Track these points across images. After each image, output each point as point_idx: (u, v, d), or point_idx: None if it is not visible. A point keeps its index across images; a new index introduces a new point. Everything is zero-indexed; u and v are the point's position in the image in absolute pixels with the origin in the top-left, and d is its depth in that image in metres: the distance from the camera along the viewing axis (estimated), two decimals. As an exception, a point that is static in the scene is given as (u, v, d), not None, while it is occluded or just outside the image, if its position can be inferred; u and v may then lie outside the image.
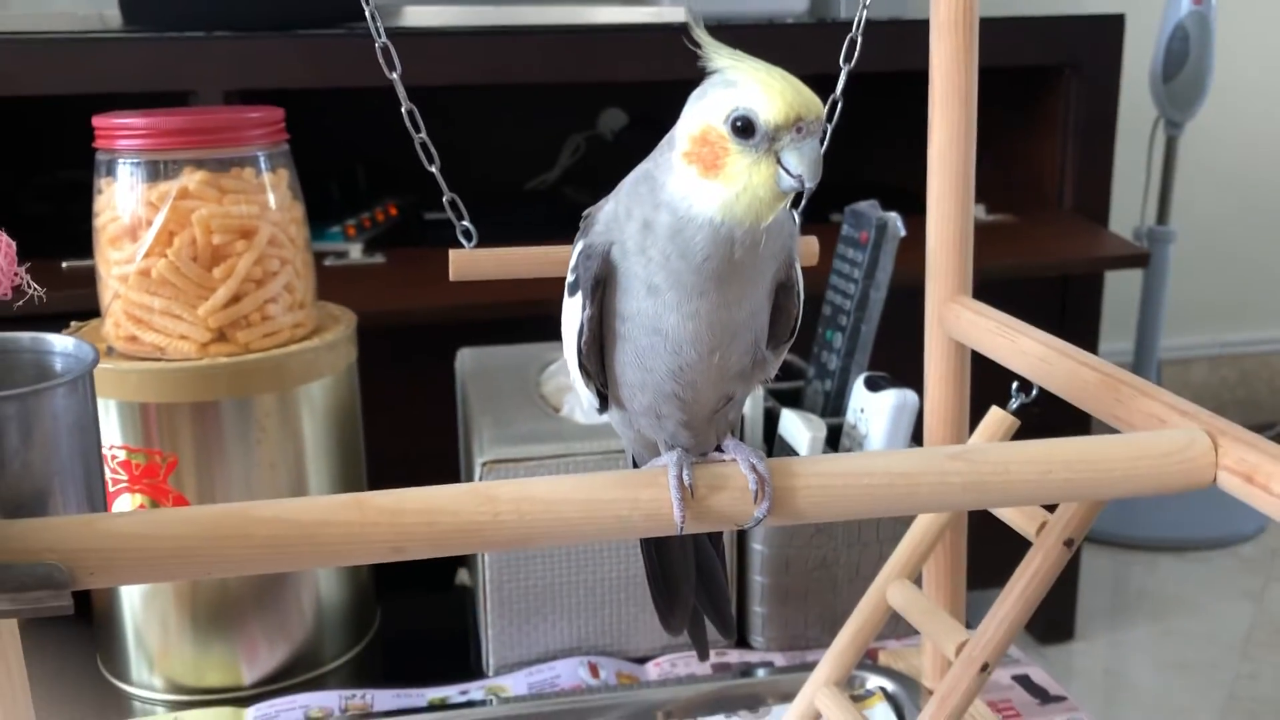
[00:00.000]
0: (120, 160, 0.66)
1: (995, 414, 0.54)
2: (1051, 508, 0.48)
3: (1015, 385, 0.54)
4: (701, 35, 0.34)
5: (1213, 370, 1.97)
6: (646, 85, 1.34)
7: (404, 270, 1.14)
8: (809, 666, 0.67)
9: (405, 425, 0.99)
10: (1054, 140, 1.32)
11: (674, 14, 1.23)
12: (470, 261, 0.54)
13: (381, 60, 0.51)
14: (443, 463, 0.85)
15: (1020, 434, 0.53)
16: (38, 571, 0.34)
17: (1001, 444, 0.40)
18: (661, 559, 0.47)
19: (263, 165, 0.67)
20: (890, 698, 0.65)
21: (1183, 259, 1.70)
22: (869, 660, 0.68)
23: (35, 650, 0.40)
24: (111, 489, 0.66)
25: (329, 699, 0.67)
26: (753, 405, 0.74)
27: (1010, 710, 0.65)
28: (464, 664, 0.72)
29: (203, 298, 0.65)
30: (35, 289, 0.49)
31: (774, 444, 0.74)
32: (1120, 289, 1.53)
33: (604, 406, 0.41)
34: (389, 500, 0.36)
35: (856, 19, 0.53)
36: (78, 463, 0.40)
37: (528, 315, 0.99)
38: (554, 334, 0.83)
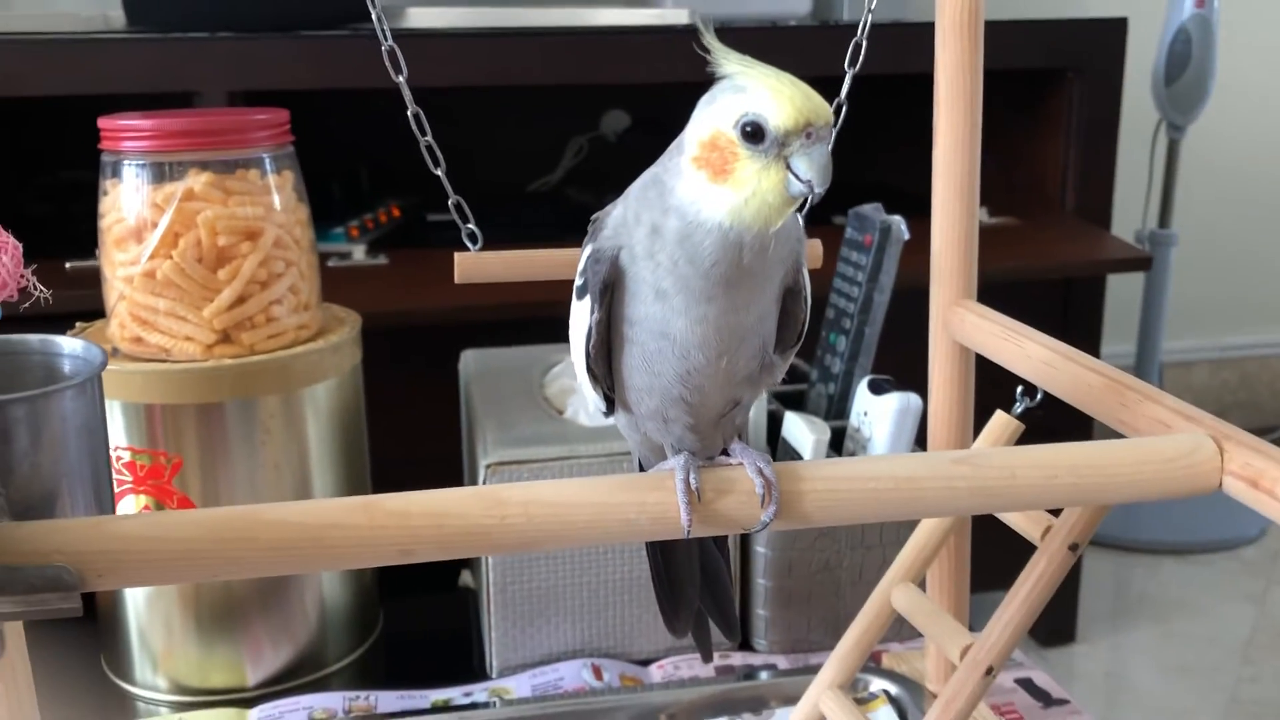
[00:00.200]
0: (126, 162, 0.66)
1: (1000, 418, 0.54)
2: (1056, 512, 0.48)
3: (1020, 390, 0.54)
4: (711, 40, 0.34)
5: (1214, 373, 1.97)
6: (649, 87, 1.35)
7: (407, 271, 1.14)
8: (812, 669, 0.67)
9: (408, 426, 0.99)
10: (1056, 143, 1.32)
11: (677, 16, 1.23)
12: (475, 264, 0.54)
13: (388, 63, 0.51)
14: (446, 464, 0.85)
15: (1023, 437, 0.53)
16: (46, 574, 0.34)
17: (1007, 449, 0.40)
18: (667, 561, 0.47)
19: (268, 167, 0.68)
20: (894, 700, 0.65)
21: (1184, 262, 1.70)
22: (872, 663, 0.68)
23: (39, 650, 0.40)
24: (116, 490, 0.66)
25: (333, 700, 0.67)
26: (756, 408, 0.74)
27: (1013, 714, 0.65)
28: (467, 666, 0.73)
29: (208, 299, 0.65)
30: (41, 291, 0.50)
31: (777, 446, 0.74)
32: (1122, 291, 1.53)
33: (610, 410, 0.41)
34: (397, 503, 0.36)
35: (861, 23, 0.53)
36: (86, 464, 0.40)
37: (531, 317, 0.99)
38: (557, 336, 0.83)
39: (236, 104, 1.06)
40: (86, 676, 0.71)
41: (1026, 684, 0.68)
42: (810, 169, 0.33)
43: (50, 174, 1.30)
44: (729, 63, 0.34)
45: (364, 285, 1.10)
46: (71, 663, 0.72)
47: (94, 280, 0.71)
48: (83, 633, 0.73)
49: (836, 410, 0.77)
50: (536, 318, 0.97)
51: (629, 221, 0.37)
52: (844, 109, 0.54)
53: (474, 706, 0.66)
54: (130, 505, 0.66)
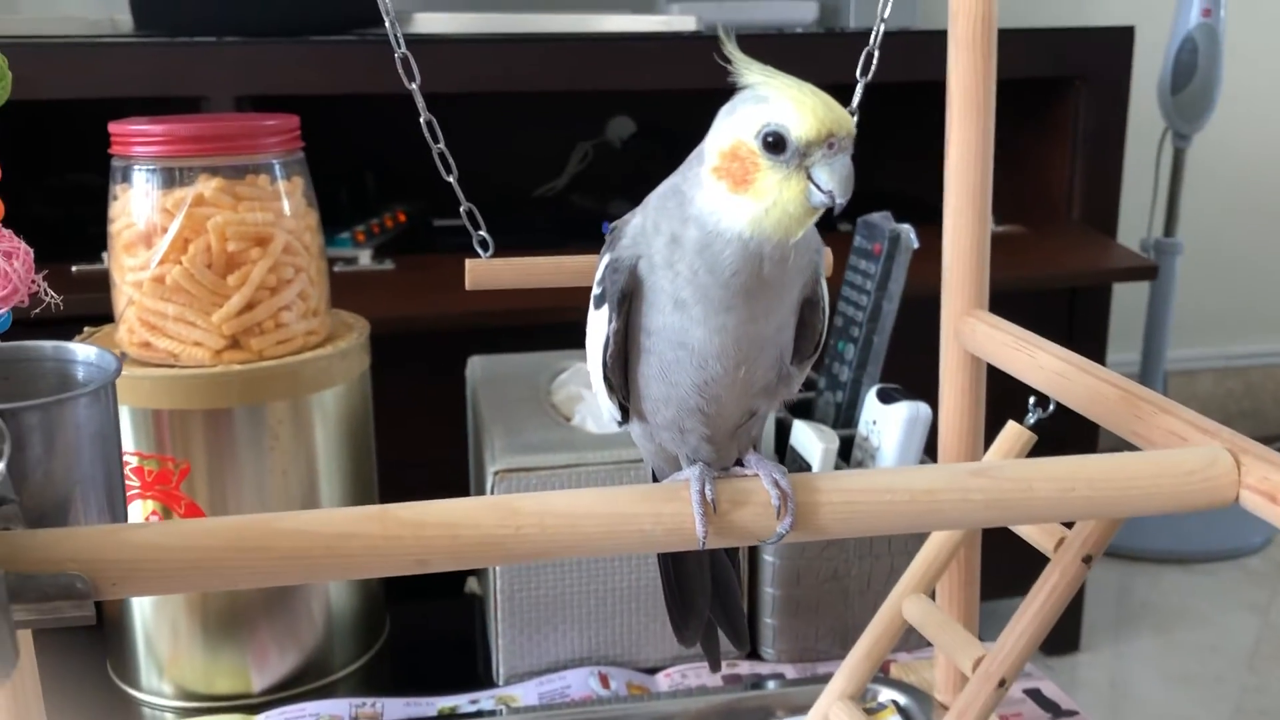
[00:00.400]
0: (136, 167, 0.66)
1: (1012, 429, 0.54)
2: (1070, 523, 0.48)
3: (1032, 400, 0.54)
4: (732, 50, 0.34)
5: (1218, 382, 1.97)
6: (655, 93, 1.35)
7: (413, 277, 1.14)
8: (820, 679, 0.67)
9: (414, 432, 0.99)
10: (1063, 151, 1.32)
11: (683, 23, 1.23)
12: (487, 271, 0.54)
13: (401, 71, 0.51)
14: (452, 470, 0.85)
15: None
16: (60, 582, 0.34)
17: (1023, 461, 0.40)
18: (678, 571, 0.47)
19: (278, 173, 0.67)
20: (902, 711, 0.65)
21: (1189, 270, 1.70)
22: (881, 673, 0.67)
23: (46, 655, 0.40)
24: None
25: (339, 707, 0.67)
26: (764, 416, 0.74)
27: (1022, 724, 0.65)
28: (473, 673, 0.72)
29: (217, 305, 0.65)
30: (53, 297, 0.49)
31: (785, 455, 0.74)
32: (1127, 300, 1.53)
33: (625, 419, 0.41)
34: (411, 513, 0.36)
35: (874, 33, 0.53)
36: (99, 472, 0.40)
37: (538, 323, 0.99)
38: (564, 342, 0.84)
39: (243, 108, 1.06)
40: (92, 682, 0.71)
41: (1035, 695, 0.68)
42: (832, 180, 0.33)
43: (57, 177, 1.30)
44: (750, 73, 0.34)
45: (370, 290, 1.10)
46: (78, 668, 0.72)
47: (101, 284, 0.71)
48: (89, 638, 0.73)
49: (845, 419, 0.77)
50: (543, 324, 0.97)
51: (648, 231, 0.37)
52: (855, 117, 0.54)
53: (481, 714, 0.66)
54: (137, 511, 0.66)
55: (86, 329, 0.72)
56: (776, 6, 1.40)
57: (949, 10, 0.54)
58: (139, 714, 0.69)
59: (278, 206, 0.67)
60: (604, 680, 0.69)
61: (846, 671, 0.56)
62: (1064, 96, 1.31)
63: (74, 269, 1.06)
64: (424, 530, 0.36)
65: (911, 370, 0.74)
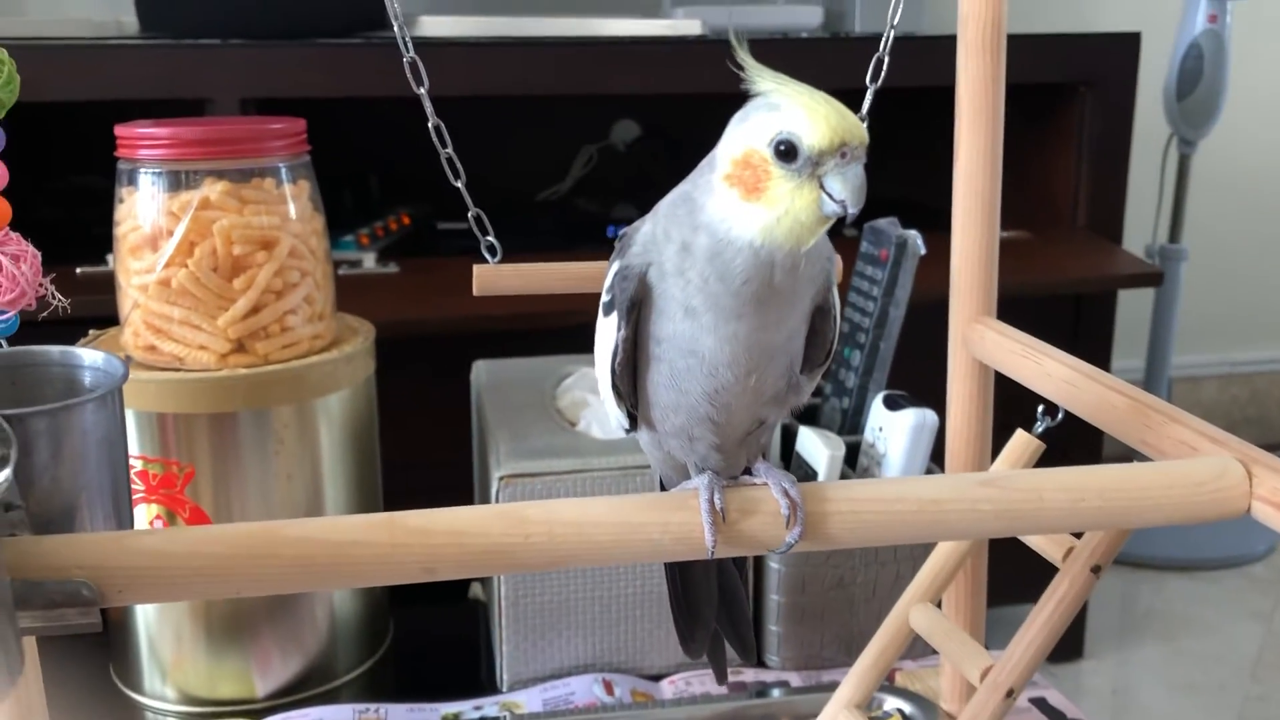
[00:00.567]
0: (142, 170, 0.66)
1: (1020, 437, 0.53)
2: (1078, 533, 0.47)
3: (1041, 409, 0.53)
4: (745, 58, 0.34)
5: (1223, 389, 1.96)
6: (660, 97, 1.35)
7: (417, 280, 1.14)
8: (825, 687, 0.66)
9: (418, 436, 0.98)
10: (1068, 157, 1.32)
11: (688, 27, 1.23)
12: (494, 276, 0.54)
13: (409, 75, 0.51)
14: (456, 474, 0.84)
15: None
16: (66, 589, 0.34)
17: (1033, 471, 0.40)
18: (685, 580, 0.47)
19: (284, 176, 0.67)
20: (908, 719, 0.64)
21: (1194, 276, 1.70)
22: (886, 681, 0.67)
23: (49, 660, 0.40)
24: (128, 499, 0.66)
25: (342, 713, 0.67)
26: (770, 422, 0.74)
27: (1028, 733, 0.64)
28: (477, 679, 0.72)
29: (222, 308, 0.65)
30: (60, 300, 0.49)
31: (791, 461, 0.73)
32: (1131, 306, 1.53)
33: (633, 426, 0.41)
34: (419, 520, 0.36)
35: (884, 39, 0.53)
36: (105, 478, 0.40)
37: (543, 327, 0.99)
38: (569, 347, 0.84)
39: (248, 111, 1.06)
40: (96, 686, 0.71)
41: (1041, 704, 0.68)
42: (844, 189, 0.33)
43: (61, 179, 1.30)
44: (763, 80, 0.34)
45: (374, 293, 1.10)
46: (81, 672, 0.72)
47: (105, 286, 0.71)
48: (92, 642, 0.72)
49: (851, 425, 0.76)
50: (548, 328, 0.97)
51: (658, 238, 0.36)
52: (865, 124, 0.54)
53: (485, 721, 0.66)
54: (141, 514, 0.66)
55: (91, 332, 0.72)
56: (781, 11, 1.40)
57: (959, 15, 0.53)
58: (142, 718, 0.69)
59: (284, 210, 0.67)
60: (608, 687, 0.68)
61: (853, 680, 0.56)
62: (1069, 102, 1.31)
63: (78, 271, 1.06)
64: (432, 539, 0.36)
65: (918, 376, 0.74)
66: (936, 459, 0.69)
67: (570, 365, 0.82)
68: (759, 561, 0.70)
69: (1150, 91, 1.46)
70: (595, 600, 0.69)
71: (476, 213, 0.53)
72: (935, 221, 0.83)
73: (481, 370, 0.82)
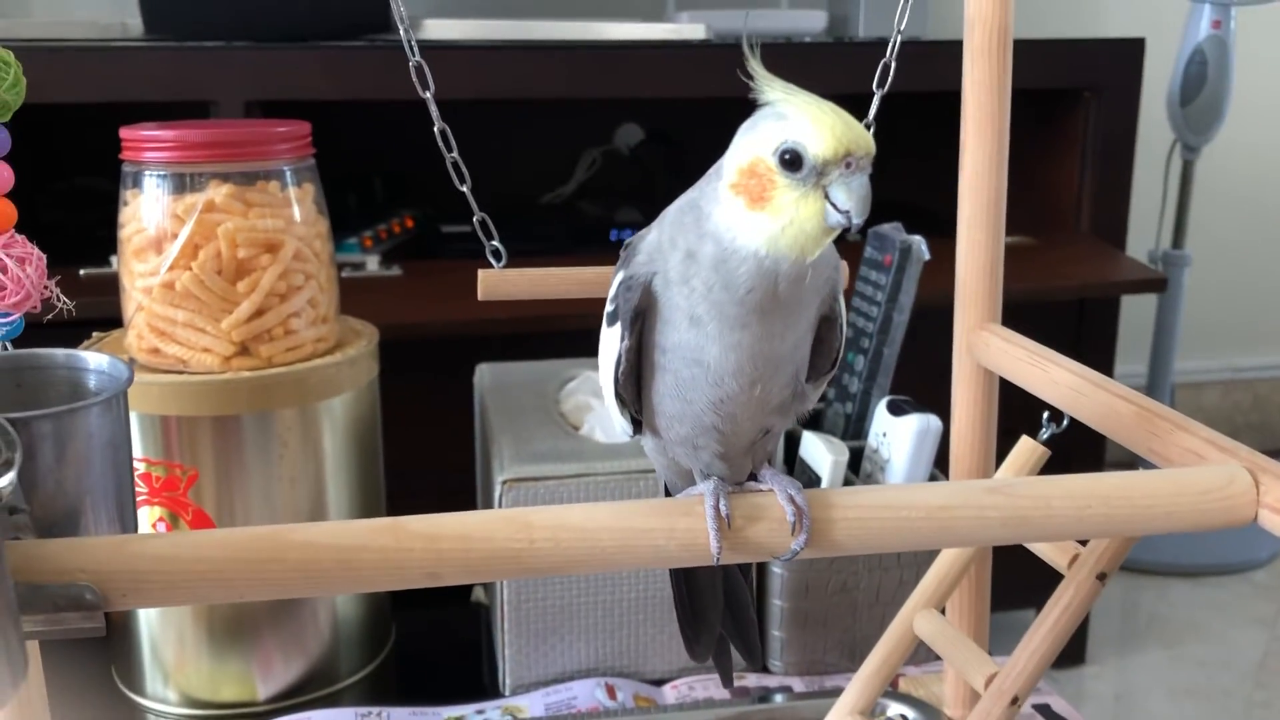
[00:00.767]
0: (147, 172, 0.66)
1: (1025, 444, 0.53)
2: (1084, 541, 0.47)
3: (1046, 416, 0.53)
4: (755, 67, 0.34)
5: (1225, 395, 1.96)
6: (663, 101, 1.35)
7: (421, 283, 1.14)
8: (828, 692, 0.66)
9: (421, 439, 0.98)
10: (1072, 162, 1.32)
11: (692, 31, 1.23)
12: (499, 281, 0.54)
13: (415, 79, 0.51)
14: (459, 478, 0.84)
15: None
16: (70, 593, 0.34)
17: (1040, 479, 0.39)
18: (690, 586, 0.47)
19: (289, 179, 0.67)
20: (910, 726, 0.64)
21: (1197, 282, 1.70)
22: (889, 687, 0.67)
23: (51, 662, 0.40)
24: (131, 502, 0.66)
25: (344, 716, 0.67)
26: (774, 427, 0.73)
27: (1031, 740, 0.64)
28: (479, 682, 0.72)
29: (226, 311, 0.65)
30: (65, 303, 0.49)
31: (794, 466, 0.73)
32: (1134, 311, 1.53)
33: (637, 431, 0.41)
34: (424, 526, 0.36)
35: (891, 45, 0.53)
36: (110, 481, 0.40)
37: (546, 331, 0.99)
38: (573, 350, 0.84)
39: (252, 113, 1.06)
40: (98, 688, 0.71)
41: (1045, 710, 0.67)
42: (849, 199, 0.33)
43: (65, 180, 1.30)
44: (771, 89, 0.34)
45: (378, 296, 1.10)
46: (83, 675, 0.72)
47: (108, 287, 0.71)
48: (94, 644, 0.72)
49: (854, 430, 0.76)
50: (552, 331, 0.97)
51: (664, 246, 0.36)
52: (871, 129, 0.53)
53: (487, 725, 0.66)
54: (144, 517, 0.66)
55: (95, 334, 0.72)
56: (786, 16, 1.40)
57: (965, 20, 0.53)
58: (144, 721, 0.69)
59: (288, 213, 0.67)
60: (611, 692, 0.68)
61: (857, 686, 0.56)
62: (1073, 108, 1.31)
63: (81, 273, 1.06)
64: (437, 543, 0.36)
65: (921, 382, 0.74)
66: (940, 465, 0.68)
67: (573, 369, 0.82)
68: (762, 566, 0.70)
69: (1154, 97, 1.46)
70: (598, 604, 0.69)
71: (481, 217, 0.53)
72: (938, 226, 0.83)
73: (485, 373, 0.82)
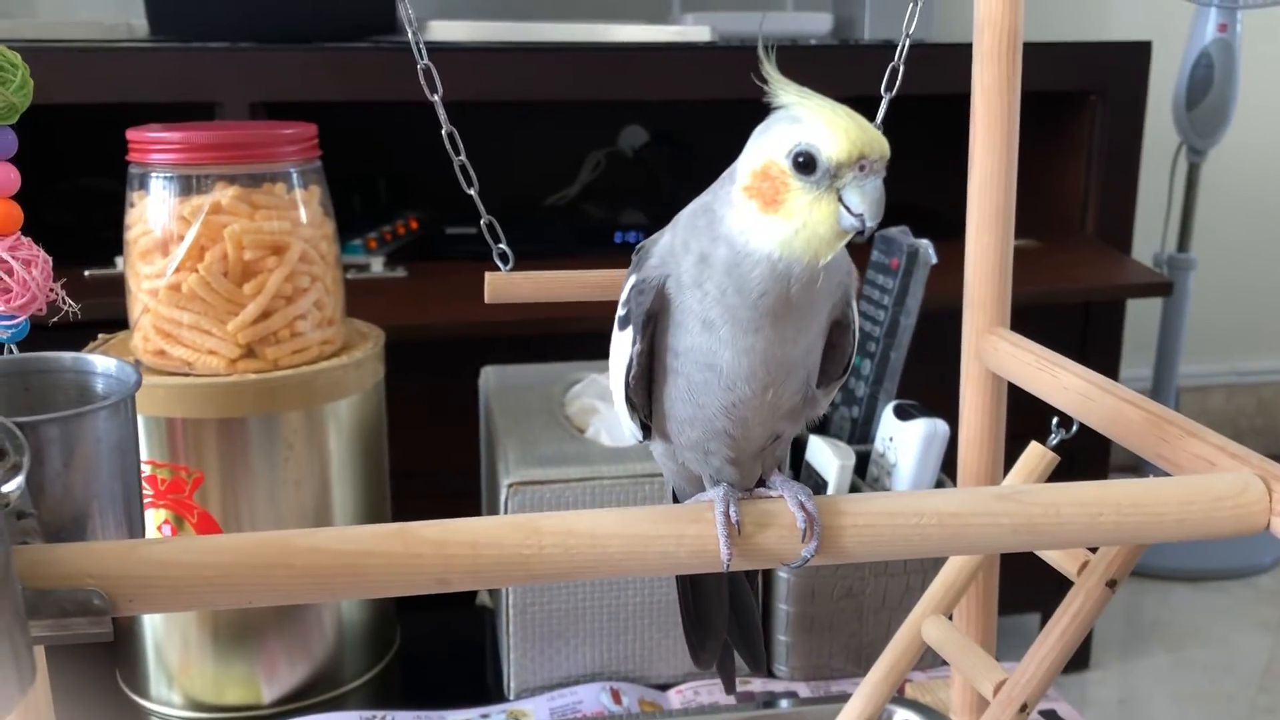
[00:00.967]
0: (153, 174, 0.65)
1: (1035, 450, 0.53)
2: (1094, 548, 0.47)
3: (1055, 421, 0.53)
4: (770, 70, 0.34)
5: (1230, 398, 1.96)
6: (668, 103, 1.34)
7: (426, 284, 1.14)
8: (834, 698, 0.66)
9: (426, 442, 0.98)
10: (1078, 166, 1.32)
11: (697, 33, 1.23)
12: (505, 284, 0.54)
13: (423, 82, 0.51)
14: (465, 481, 0.84)
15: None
16: (78, 598, 0.33)
17: (1051, 485, 0.39)
18: (696, 591, 0.47)
19: (295, 181, 0.67)
20: (917, 731, 0.64)
21: (1202, 286, 1.69)
22: (895, 692, 0.67)
23: (55, 664, 0.39)
24: (136, 504, 0.65)
25: (348, 719, 0.66)
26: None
27: (1038, 747, 0.64)
28: (484, 686, 0.72)
29: (232, 313, 0.65)
30: (70, 305, 0.49)
31: (801, 470, 0.73)
32: (1139, 315, 1.52)
33: (646, 436, 0.41)
34: (432, 531, 0.36)
35: (900, 48, 0.53)
36: (117, 485, 0.39)
37: (552, 334, 0.99)
38: (579, 353, 0.83)
39: (257, 114, 1.06)
40: (102, 691, 0.71)
41: (1050, 716, 0.67)
42: (863, 202, 0.33)
43: (70, 181, 1.30)
44: (785, 93, 0.34)
45: (382, 298, 1.10)
46: (88, 677, 0.72)
47: (114, 289, 0.70)
48: (99, 648, 0.72)
49: (861, 435, 0.76)
50: (557, 334, 0.96)
51: (676, 250, 0.36)
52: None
53: (492, 729, 0.66)
54: (150, 520, 0.66)
55: (101, 336, 0.72)
56: (791, 18, 1.40)
57: (975, 22, 0.53)
58: (148, 724, 0.69)
59: (294, 215, 0.67)
60: (616, 696, 0.68)
61: (865, 693, 0.56)
62: (1079, 111, 1.31)
63: (87, 274, 1.06)
64: (446, 549, 0.35)
65: (928, 386, 0.74)
66: (947, 470, 0.68)
67: (579, 372, 0.82)
68: (768, 571, 0.70)
69: (1160, 101, 1.46)
70: (603, 609, 0.69)
71: (489, 220, 0.53)
72: (943, 229, 0.82)
73: (490, 376, 0.82)
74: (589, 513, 0.37)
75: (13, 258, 0.45)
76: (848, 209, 0.33)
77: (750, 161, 0.34)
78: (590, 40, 1.22)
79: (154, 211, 0.65)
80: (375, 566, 0.35)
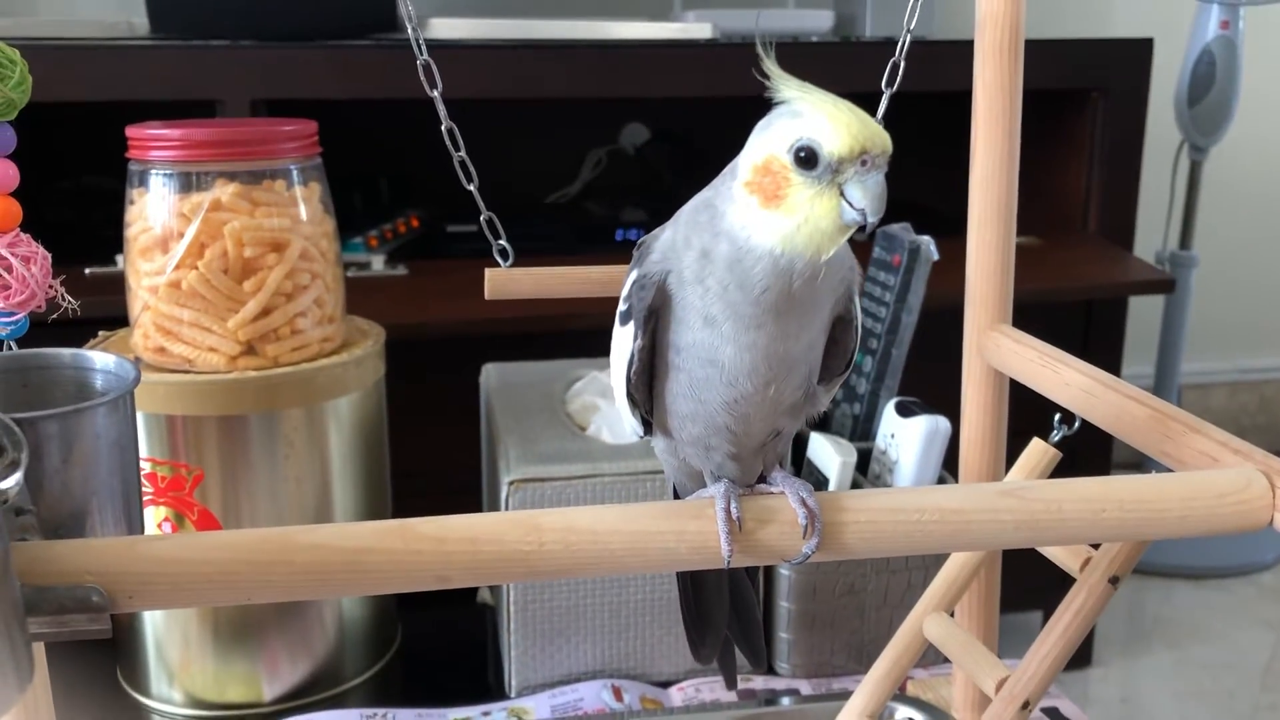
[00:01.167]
0: (153, 171, 0.65)
1: (1037, 446, 0.53)
2: (1096, 544, 0.47)
3: (1058, 417, 0.53)
4: (771, 66, 0.34)
5: (1232, 396, 1.95)
6: (669, 100, 1.34)
7: (426, 282, 1.14)
8: (835, 695, 0.66)
9: (427, 439, 0.98)
10: (1080, 163, 1.32)
11: (698, 30, 1.23)
12: (506, 280, 0.54)
13: (423, 78, 0.51)
14: (466, 478, 0.84)
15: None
16: (76, 594, 0.33)
17: (1053, 481, 0.39)
18: (696, 587, 0.46)
19: (295, 178, 0.67)
20: (919, 729, 0.64)
21: (1204, 283, 1.69)
22: (897, 690, 0.67)
23: (56, 662, 0.39)
24: (136, 502, 0.65)
25: (350, 717, 0.66)
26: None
27: (1040, 744, 0.64)
28: (485, 684, 0.72)
29: (233, 310, 0.65)
30: (70, 302, 0.49)
31: (802, 467, 0.73)
32: (1141, 312, 1.52)
33: (647, 432, 0.41)
34: (433, 528, 0.36)
35: (900, 44, 0.53)
36: (116, 482, 0.39)
37: (553, 331, 0.99)
38: (580, 350, 0.83)
39: (258, 112, 1.06)
40: (103, 689, 0.71)
41: (1053, 713, 0.67)
42: (864, 197, 0.33)
43: (71, 179, 1.30)
44: (787, 88, 0.34)
45: (383, 296, 1.10)
46: (88, 675, 0.72)
47: (114, 286, 0.70)
48: (99, 645, 0.72)
49: (862, 431, 0.76)
50: (558, 331, 0.96)
51: (678, 245, 0.36)
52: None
53: (493, 727, 0.66)
54: (150, 517, 0.66)
55: (101, 333, 0.72)
56: (792, 15, 1.39)
57: (977, 19, 0.53)
58: (149, 721, 0.69)
59: (295, 212, 0.67)
60: (617, 693, 0.68)
61: (866, 690, 0.56)
62: (1081, 108, 1.31)
63: (87, 271, 1.06)
64: (446, 546, 0.35)
65: (930, 383, 0.74)
66: (948, 466, 0.68)
67: (580, 369, 0.82)
68: (768, 568, 0.70)
69: (1162, 98, 1.46)
70: (604, 606, 0.69)
71: (489, 216, 0.53)
72: (945, 226, 0.82)
73: (491, 374, 0.82)
74: (589, 509, 0.37)
75: (12, 254, 0.45)
76: (849, 204, 0.33)
77: (752, 156, 0.34)
78: (591, 37, 1.22)
79: (154, 208, 0.65)
80: (375, 563, 0.35)
